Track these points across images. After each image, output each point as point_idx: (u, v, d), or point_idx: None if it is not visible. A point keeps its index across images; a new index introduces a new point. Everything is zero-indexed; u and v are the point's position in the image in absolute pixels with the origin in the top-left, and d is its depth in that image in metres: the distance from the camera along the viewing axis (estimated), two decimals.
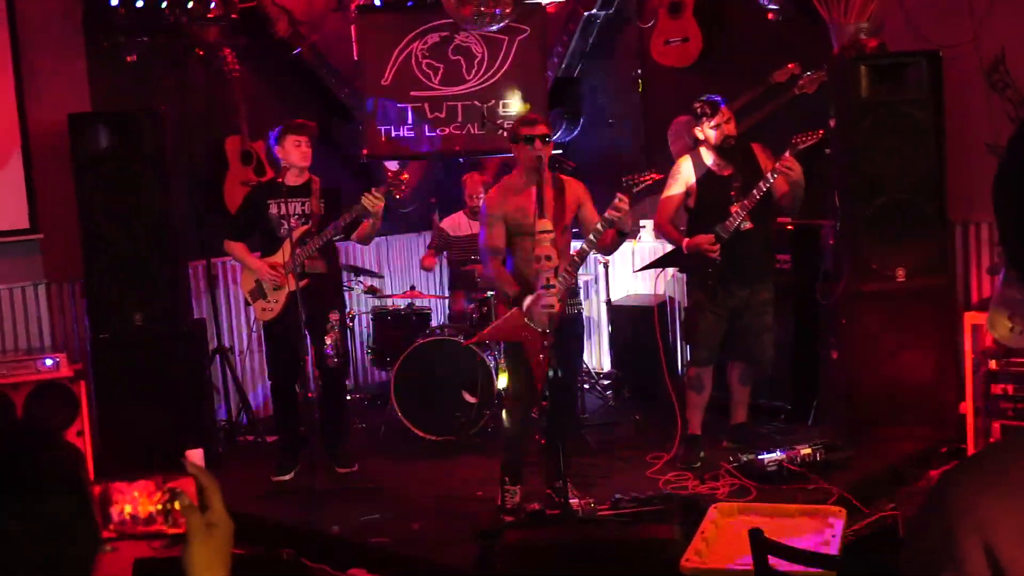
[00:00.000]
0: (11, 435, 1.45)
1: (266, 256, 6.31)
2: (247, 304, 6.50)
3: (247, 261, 6.36)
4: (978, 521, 1.17)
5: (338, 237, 6.24)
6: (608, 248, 5.58)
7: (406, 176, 6.22)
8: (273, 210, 6.22)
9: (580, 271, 5.64)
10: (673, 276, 7.46)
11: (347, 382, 6.95)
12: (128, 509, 1.57)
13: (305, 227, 6.18)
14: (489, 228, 5.46)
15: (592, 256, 6.35)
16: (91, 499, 1.51)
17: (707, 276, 5.97)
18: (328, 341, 6.21)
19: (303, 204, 6.22)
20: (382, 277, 8.35)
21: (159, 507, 1.59)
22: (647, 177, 5.31)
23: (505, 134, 6.00)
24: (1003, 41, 6.29)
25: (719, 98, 6.02)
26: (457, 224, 7.87)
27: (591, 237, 5.29)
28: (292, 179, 6.18)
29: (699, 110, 5.99)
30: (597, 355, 8.46)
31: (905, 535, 1.23)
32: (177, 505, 1.58)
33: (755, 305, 6.09)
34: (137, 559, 3.60)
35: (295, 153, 6.15)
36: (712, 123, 5.94)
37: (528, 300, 5.27)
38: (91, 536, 1.48)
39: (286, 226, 6.12)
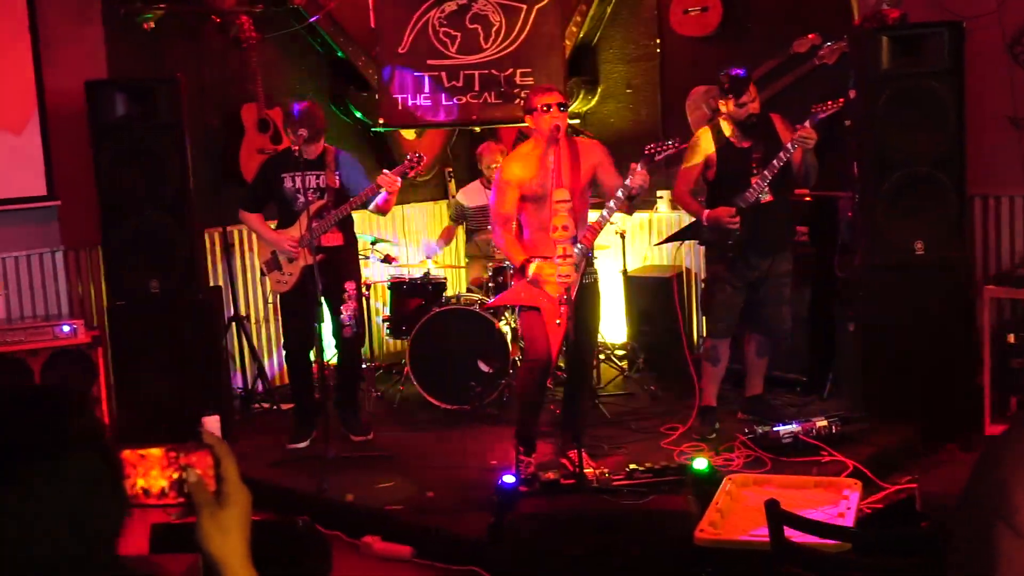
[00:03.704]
0: (44, 397, 1.46)
1: (282, 228, 6.31)
2: (262, 274, 6.51)
3: (262, 232, 6.37)
4: None
5: (355, 208, 6.24)
6: (629, 210, 5.60)
7: (424, 159, 6.20)
8: (288, 184, 6.21)
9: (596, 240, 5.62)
10: (687, 247, 7.43)
11: (362, 351, 6.95)
12: (141, 483, 1.58)
13: (322, 201, 6.16)
14: (501, 195, 5.47)
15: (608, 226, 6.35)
16: (119, 463, 1.51)
17: (727, 248, 5.95)
18: (345, 312, 6.23)
19: (319, 177, 6.21)
20: (395, 244, 8.34)
21: (171, 480, 1.59)
22: (670, 146, 5.31)
23: (522, 103, 5.98)
24: None
25: (745, 72, 5.95)
26: (474, 194, 7.86)
27: (611, 204, 5.30)
28: (308, 152, 6.17)
29: (726, 86, 5.93)
30: (612, 326, 8.45)
31: (962, 490, 1.26)
32: (189, 478, 1.58)
33: (774, 277, 6.06)
34: (154, 524, 3.62)
35: (304, 144, 6.13)
36: (739, 101, 5.88)
37: (533, 267, 5.28)
38: (120, 499, 1.49)
39: (302, 200, 6.11)
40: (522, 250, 5.46)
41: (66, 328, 6.49)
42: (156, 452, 1.58)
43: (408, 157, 6.13)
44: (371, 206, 6.23)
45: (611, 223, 5.71)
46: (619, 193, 5.26)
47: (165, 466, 1.58)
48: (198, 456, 1.59)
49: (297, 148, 6.02)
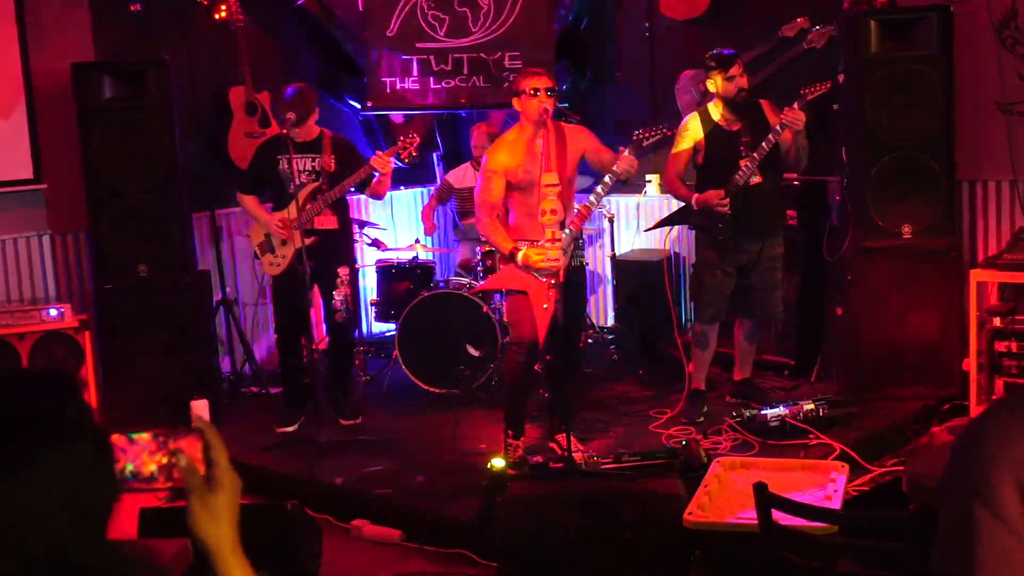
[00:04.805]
0: (38, 384, 1.45)
1: (277, 211, 6.30)
2: (256, 257, 6.50)
3: (258, 214, 6.36)
4: (1013, 459, 1.19)
5: (351, 192, 6.23)
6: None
7: (415, 139, 6.20)
8: (282, 166, 6.19)
9: (585, 224, 5.62)
10: (679, 232, 7.44)
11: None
12: (130, 467, 1.57)
13: (315, 183, 6.16)
14: (487, 183, 5.45)
15: (596, 210, 6.34)
16: (111, 446, 1.52)
17: (717, 232, 5.93)
18: (337, 296, 6.23)
19: (314, 160, 6.20)
20: (385, 229, 8.31)
21: (160, 465, 1.59)
22: (658, 131, 5.32)
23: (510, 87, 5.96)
24: None
25: (732, 51, 5.95)
26: (463, 175, 7.85)
27: (598, 189, 5.31)
28: (301, 135, 6.16)
29: (712, 63, 5.92)
30: (601, 309, 8.46)
31: (943, 471, 1.29)
32: (179, 463, 1.58)
33: (765, 261, 6.05)
34: (142, 508, 3.62)
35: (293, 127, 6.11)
36: (727, 74, 5.86)
37: (521, 254, 5.28)
38: (111, 482, 1.49)
39: (296, 182, 6.10)
40: (508, 237, 5.45)
41: (53, 312, 6.47)
42: (145, 436, 1.58)
43: (401, 138, 6.14)
44: (366, 190, 6.23)
45: (599, 207, 5.71)
46: (607, 178, 5.27)
47: (154, 450, 1.58)
48: (188, 440, 1.59)
49: (286, 131, 6.01)
